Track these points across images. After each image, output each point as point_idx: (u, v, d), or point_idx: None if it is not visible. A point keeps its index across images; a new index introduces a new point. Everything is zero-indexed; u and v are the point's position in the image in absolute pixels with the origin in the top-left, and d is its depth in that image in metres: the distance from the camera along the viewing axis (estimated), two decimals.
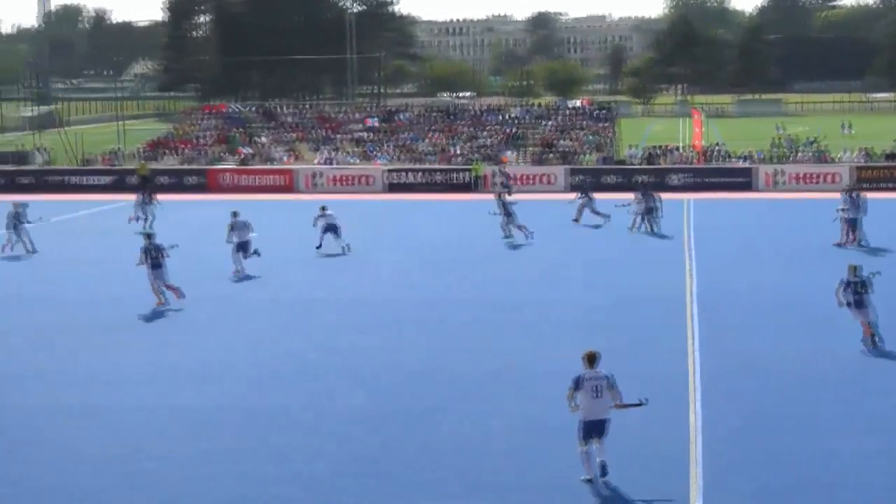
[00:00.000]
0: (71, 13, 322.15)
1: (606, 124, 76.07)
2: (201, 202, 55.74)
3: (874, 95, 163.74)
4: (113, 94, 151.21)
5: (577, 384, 17.34)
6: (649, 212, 44.26)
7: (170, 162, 70.76)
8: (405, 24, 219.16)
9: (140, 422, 20.59)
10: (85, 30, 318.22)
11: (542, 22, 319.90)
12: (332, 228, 40.18)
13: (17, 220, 40.89)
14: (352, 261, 38.45)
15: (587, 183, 53.85)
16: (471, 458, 18.45)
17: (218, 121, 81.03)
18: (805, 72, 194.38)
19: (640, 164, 65.55)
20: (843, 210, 40.02)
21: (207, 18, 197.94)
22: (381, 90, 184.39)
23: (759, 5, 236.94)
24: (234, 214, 36.55)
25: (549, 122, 76.33)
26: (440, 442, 19.32)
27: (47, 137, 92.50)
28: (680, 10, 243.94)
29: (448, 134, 74.09)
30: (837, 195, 42.38)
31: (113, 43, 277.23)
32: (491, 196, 46.71)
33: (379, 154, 69.51)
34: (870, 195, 42.24)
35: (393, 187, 61.76)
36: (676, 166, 63.85)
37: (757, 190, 59.42)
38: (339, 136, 75.42)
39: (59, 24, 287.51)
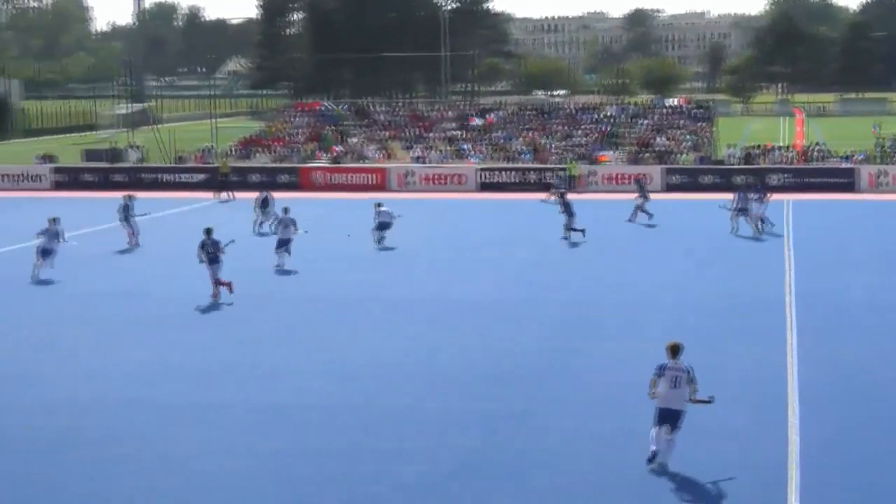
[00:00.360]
0: (165, 11, 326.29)
1: (704, 123, 75.51)
2: (293, 200, 56.04)
3: None
4: (205, 92, 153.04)
5: (661, 371, 18.09)
6: (741, 212, 43.78)
7: (262, 160, 71.42)
8: (500, 22, 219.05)
9: (226, 419, 20.82)
10: (179, 27, 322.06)
11: (638, 19, 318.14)
12: (384, 226, 41.19)
13: (126, 212, 42.30)
14: (443, 260, 38.58)
15: (644, 182, 53.32)
16: (561, 462, 18.41)
17: (310, 118, 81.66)
18: None
19: (739, 164, 64.90)
20: None
21: (300, 16, 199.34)
22: (475, 88, 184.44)
23: (864, 2, 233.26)
24: (285, 211, 38.01)
25: (645, 121, 75.96)
26: (534, 444, 19.26)
27: (140, 135, 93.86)
28: (781, 6, 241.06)
29: (541, 133, 74.01)
30: None
31: (206, 41, 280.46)
32: (577, 196, 46.66)
33: (471, 153, 69.59)
34: None
35: (485, 186, 61.80)
36: (776, 166, 63.19)
37: (859, 191, 58.63)
38: (431, 134, 75.67)
39: (154, 22, 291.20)
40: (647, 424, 18.47)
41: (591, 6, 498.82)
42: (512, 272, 36.34)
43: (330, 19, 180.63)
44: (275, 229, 38.29)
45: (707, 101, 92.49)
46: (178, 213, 53.12)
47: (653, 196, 49.90)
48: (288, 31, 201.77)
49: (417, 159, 68.66)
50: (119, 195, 44.92)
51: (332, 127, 78.15)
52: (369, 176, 63.61)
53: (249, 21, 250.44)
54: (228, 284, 31.87)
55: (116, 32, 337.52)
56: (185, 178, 64.79)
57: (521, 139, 72.81)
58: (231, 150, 75.08)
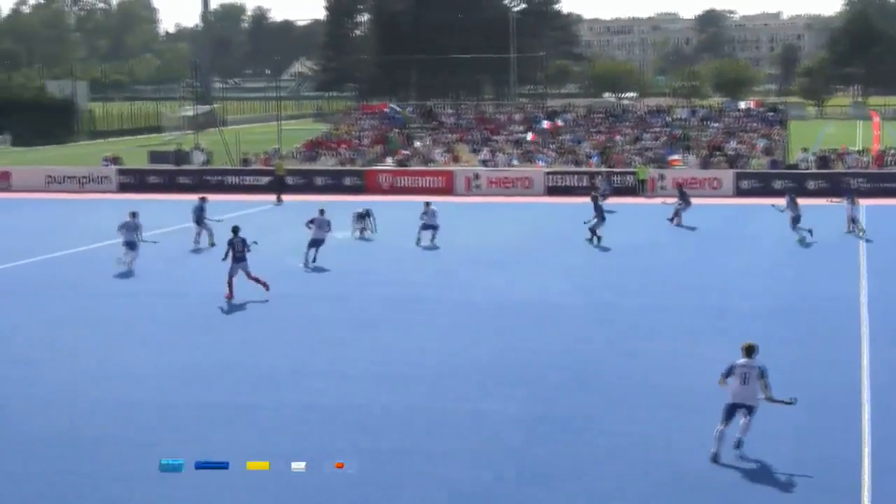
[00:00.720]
0: (232, 12, 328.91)
1: (777, 127, 74.98)
2: (359, 203, 56.24)
3: None
4: (271, 94, 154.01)
5: (729, 372, 18.73)
6: (795, 220, 43.30)
7: (328, 163, 71.75)
8: (569, 23, 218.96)
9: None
10: (245, 29, 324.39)
11: (710, 20, 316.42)
12: (428, 227, 42.25)
13: (200, 213, 42.87)
14: (510, 263, 38.61)
15: (686, 188, 52.81)
16: (612, 466, 18.39)
17: (376, 121, 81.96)
18: None
19: (812, 168, 64.30)
20: None
21: (367, 17, 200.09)
22: (543, 90, 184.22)
23: None
24: (321, 212, 38.71)
25: (717, 124, 75.54)
26: (598, 449, 19.24)
27: (206, 137, 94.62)
28: (857, 6, 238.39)
29: (610, 136, 73.80)
30: None
31: (272, 42, 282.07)
32: (647, 200, 46.54)
33: (539, 156, 69.49)
34: None
35: (553, 190, 61.70)
36: (851, 171, 62.52)
37: None
38: (499, 137, 75.68)
39: (220, 24, 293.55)
40: (701, 428, 18.62)
41: (661, 7, 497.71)
42: (571, 275, 36.30)
43: (396, 20, 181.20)
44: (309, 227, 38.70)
45: (780, 103, 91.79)
46: (242, 217, 53.36)
47: (725, 201, 49.73)
48: (354, 32, 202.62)
49: (484, 162, 68.68)
50: (185, 198, 45.37)
51: (398, 129, 78.37)
52: (435, 179, 63.65)
53: (316, 22, 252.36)
54: (265, 284, 32.36)
55: (183, 34, 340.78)
56: (249, 180, 65.11)
57: (589, 142, 72.62)
58: (296, 153, 75.48)
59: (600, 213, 42.76)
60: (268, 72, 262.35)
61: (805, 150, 68.73)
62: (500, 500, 17.18)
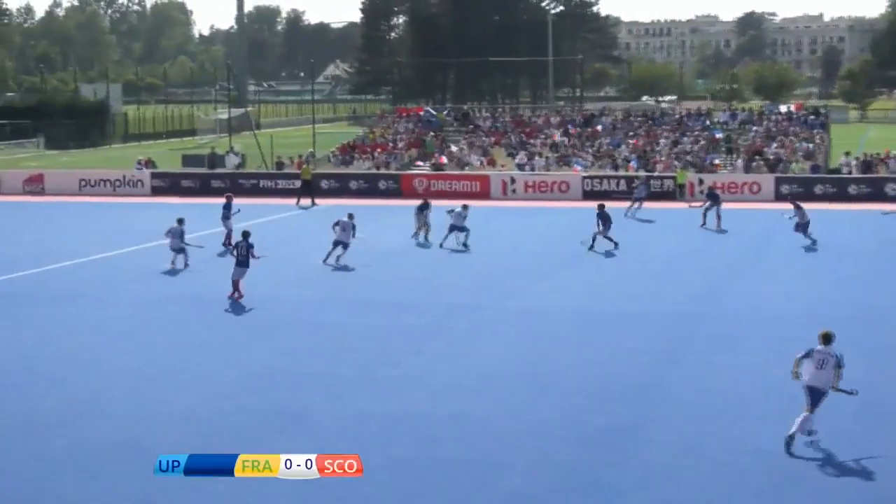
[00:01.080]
0: (267, 15, 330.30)
1: (818, 130, 74.57)
2: (394, 207, 56.31)
3: None
4: (306, 97, 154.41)
5: (808, 353, 19.34)
6: (804, 227, 43.00)
7: (363, 166, 71.81)
8: (607, 26, 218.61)
9: (317, 429, 20.80)
10: (280, 32, 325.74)
11: (750, 22, 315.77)
12: (456, 228, 42.55)
13: (227, 211, 43.02)
14: (553, 270, 38.52)
15: (715, 189, 52.56)
16: (666, 478, 18.24)
17: (411, 124, 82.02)
18: None
19: (854, 172, 63.77)
20: None
21: (403, 20, 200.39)
22: (581, 93, 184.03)
23: None
24: (350, 216, 39.36)
25: (757, 128, 75.22)
26: (636, 459, 19.10)
27: (240, 141, 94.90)
28: None
29: (648, 139, 73.61)
30: None
31: (307, 45, 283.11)
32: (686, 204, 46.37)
33: (577, 159, 69.31)
34: None
35: (590, 195, 61.44)
36: (894, 176, 61.94)
37: None
38: (536, 140, 75.60)
39: (255, 26, 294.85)
40: (748, 437, 18.70)
41: (701, 9, 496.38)
42: (610, 282, 36.18)
43: (433, 23, 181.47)
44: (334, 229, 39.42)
45: (821, 107, 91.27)
46: (276, 220, 53.53)
47: (764, 205, 49.53)
48: (390, 34, 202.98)
49: (521, 166, 68.57)
50: (219, 201, 45.42)
51: (434, 133, 78.39)
52: (472, 183, 63.48)
53: (351, 25, 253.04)
54: (240, 294, 32.74)
55: (217, 36, 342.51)
56: (283, 184, 65.12)
57: (627, 146, 72.45)
58: (330, 156, 75.63)
59: (606, 221, 42.29)
60: (302, 75, 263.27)
61: (847, 154, 68.22)
62: None
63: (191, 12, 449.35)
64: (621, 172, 64.98)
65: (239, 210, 43.64)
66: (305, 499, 17.32)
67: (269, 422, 21.30)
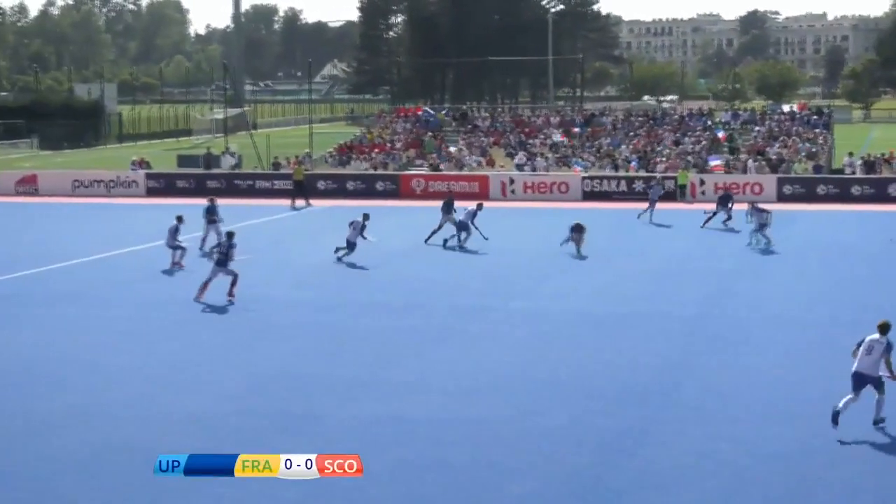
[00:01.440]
0: (264, 14, 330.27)
1: (822, 131, 74.55)
2: (392, 209, 56.32)
3: None
4: (303, 97, 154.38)
5: (860, 343, 20.31)
6: (760, 228, 42.99)
7: (361, 167, 71.78)
8: (608, 25, 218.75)
9: (330, 432, 20.80)
10: (277, 31, 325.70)
11: (753, 21, 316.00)
12: (460, 226, 43.34)
13: (210, 214, 43.14)
14: (555, 271, 38.55)
15: (730, 194, 52.45)
16: (678, 483, 18.26)
17: (409, 124, 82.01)
18: None
19: (856, 173, 63.68)
20: None
21: (401, 19, 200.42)
22: (581, 93, 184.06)
23: None
24: (365, 216, 40.08)
25: (759, 128, 75.23)
26: (650, 463, 19.09)
27: (236, 141, 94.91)
28: None
29: (649, 139, 73.59)
30: None
31: (305, 44, 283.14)
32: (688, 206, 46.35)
33: (577, 160, 69.26)
34: None
35: (590, 195, 61.44)
36: None
37: None
38: (536, 140, 75.60)
39: (252, 25, 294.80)
40: (759, 440, 18.83)
41: (703, 8, 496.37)
42: (613, 284, 36.17)
43: (432, 22, 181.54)
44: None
45: (825, 106, 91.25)
46: (272, 222, 53.54)
47: (767, 207, 49.52)
48: (388, 34, 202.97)
49: (520, 166, 68.55)
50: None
51: (432, 133, 78.36)
52: (470, 184, 63.37)
53: (349, 24, 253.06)
54: (202, 292, 32.75)
55: (214, 35, 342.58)
56: (280, 184, 65.01)
57: (628, 146, 72.42)
58: (328, 157, 75.63)
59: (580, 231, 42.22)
60: (300, 74, 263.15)
61: (851, 154, 68.18)
62: None
63: (187, 11, 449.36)
64: (621, 173, 64.97)
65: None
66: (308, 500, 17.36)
67: (273, 424, 21.32)
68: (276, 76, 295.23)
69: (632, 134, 75.90)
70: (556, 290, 35.06)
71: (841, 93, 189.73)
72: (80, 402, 22.88)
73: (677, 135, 74.40)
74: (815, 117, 77.66)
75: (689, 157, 68.05)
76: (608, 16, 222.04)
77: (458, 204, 46.05)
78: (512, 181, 63.31)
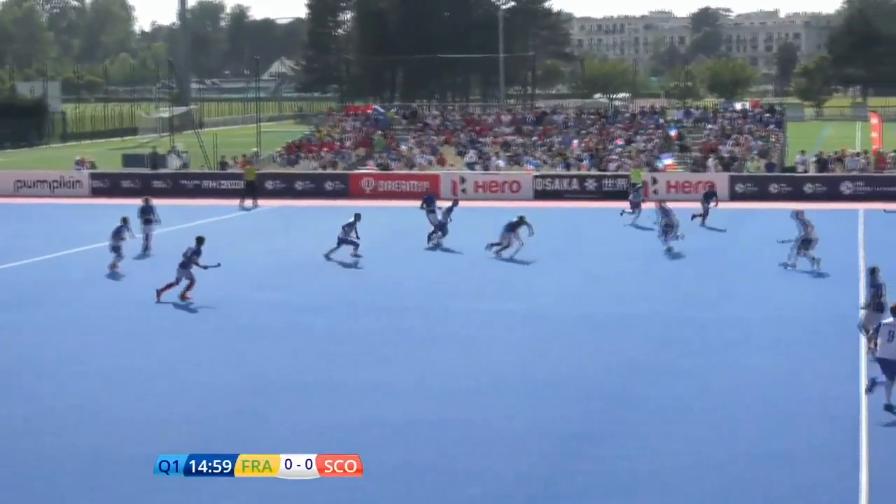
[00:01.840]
0: (210, 10, 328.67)
1: (774, 128, 74.99)
2: (342, 209, 56.09)
3: None
4: (251, 95, 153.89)
5: (878, 329, 21.07)
6: (667, 228, 43.14)
7: (309, 166, 71.52)
8: (559, 22, 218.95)
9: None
10: (224, 28, 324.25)
11: (704, 18, 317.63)
12: (439, 226, 44.65)
13: (145, 215, 43.15)
14: (523, 271, 38.71)
15: (713, 192, 52.65)
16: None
17: (359, 123, 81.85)
18: None
19: (809, 171, 64.01)
20: None
21: (350, 16, 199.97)
22: (533, 91, 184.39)
23: None
24: (356, 216, 40.89)
25: (712, 126, 75.59)
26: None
27: (183, 140, 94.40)
28: (856, 5, 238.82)
29: (601, 137, 73.77)
30: None
31: (252, 41, 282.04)
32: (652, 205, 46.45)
33: (529, 158, 69.29)
34: None
35: (541, 194, 61.51)
36: (850, 174, 62.24)
37: None
38: (487, 139, 75.64)
39: (198, 22, 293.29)
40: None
41: (655, 5, 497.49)
42: (576, 283, 36.36)
43: (381, 19, 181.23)
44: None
45: (777, 104, 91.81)
46: (220, 222, 53.26)
47: (720, 205, 49.97)
48: (337, 31, 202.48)
49: (471, 165, 68.55)
50: (161, 202, 45.45)
51: (382, 132, 78.21)
52: (421, 183, 63.22)
53: (297, 21, 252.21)
54: (161, 293, 32.89)
55: (159, 33, 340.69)
56: (227, 184, 64.68)
57: (580, 145, 72.52)
58: (276, 156, 75.36)
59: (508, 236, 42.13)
60: (247, 72, 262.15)
61: (803, 152, 68.57)
62: None
63: (132, 8, 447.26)
64: (573, 171, 65.10)
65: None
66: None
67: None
68: (224, 74, 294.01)
69: (584, 132, 76.04)
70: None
71: (793, 91, 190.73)
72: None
73: (629, 133, 74.62)
74: (767, 115, 78.10)
75: (642, 156, 68.22)
76: (559, 13, 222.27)
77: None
78: (463, 180, 63.29)
